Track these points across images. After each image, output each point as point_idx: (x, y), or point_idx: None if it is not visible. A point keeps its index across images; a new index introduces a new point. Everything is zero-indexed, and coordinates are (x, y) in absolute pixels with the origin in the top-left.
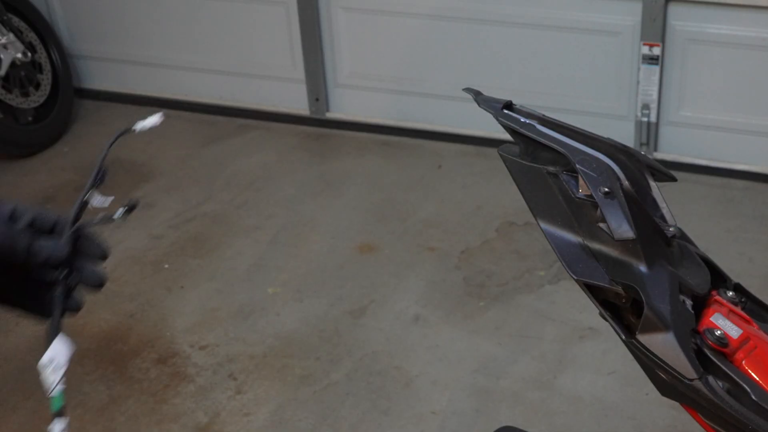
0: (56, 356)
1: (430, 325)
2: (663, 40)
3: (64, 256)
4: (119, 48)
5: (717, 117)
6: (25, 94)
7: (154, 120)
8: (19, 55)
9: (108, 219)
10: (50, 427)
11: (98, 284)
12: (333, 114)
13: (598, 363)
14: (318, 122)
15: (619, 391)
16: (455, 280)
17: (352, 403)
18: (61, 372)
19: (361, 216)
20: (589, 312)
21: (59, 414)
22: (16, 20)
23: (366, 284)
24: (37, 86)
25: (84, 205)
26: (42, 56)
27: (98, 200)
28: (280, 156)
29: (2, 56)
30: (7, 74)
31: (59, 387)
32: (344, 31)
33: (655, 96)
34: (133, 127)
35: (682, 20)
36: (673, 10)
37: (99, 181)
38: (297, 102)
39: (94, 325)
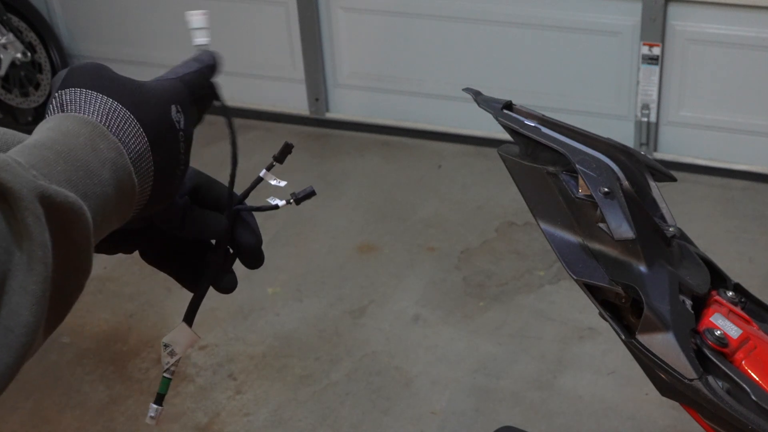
0: (175, 342)
1: (429, 325)
2: (663, 40)
3: (219, 234)
4: (119, 48)
5: (717, 117)
6: (25, 94)
7: (197, 19)
8: (19, 55)
9: (273, 206)
10: (151, 404)
11: (230, 287)
12: (333, 114)
13: (598, 363)
14: (318, 122)
15: (619, 391)
16: (455, 280)
17: (352, 403)
18: (174, 359)
19: (361, 216)
20: (589, 312)
21: (159, 398)
22: (16, 20)
23: (366, 284)
24: (37, 86)
25: (258, 180)
26: (42, 56)
27: (274, 181)
28: None
29: (2, 56)
30: (7, 74)
31: (168, 373)
32: (344, 31)
33: (654, 96)
34: (196, 42)
35: (682, 20)
36: (673, 10)
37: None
38: (297, 102)
39: (94, 325)
